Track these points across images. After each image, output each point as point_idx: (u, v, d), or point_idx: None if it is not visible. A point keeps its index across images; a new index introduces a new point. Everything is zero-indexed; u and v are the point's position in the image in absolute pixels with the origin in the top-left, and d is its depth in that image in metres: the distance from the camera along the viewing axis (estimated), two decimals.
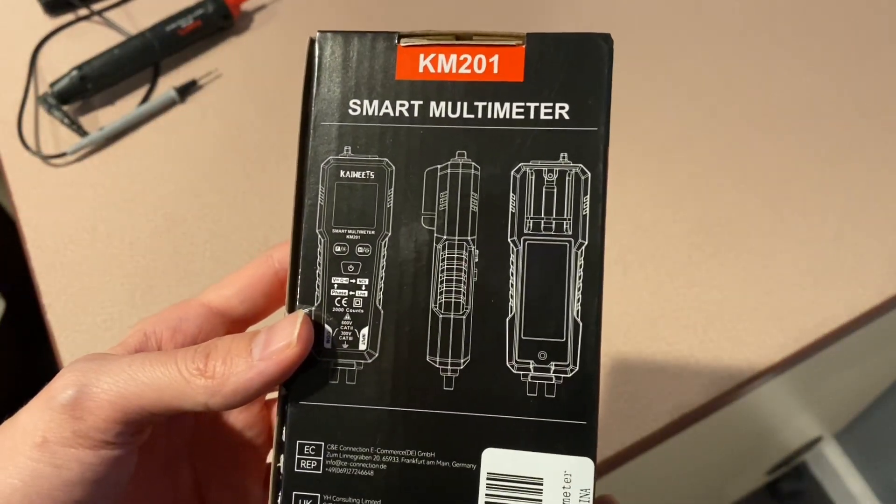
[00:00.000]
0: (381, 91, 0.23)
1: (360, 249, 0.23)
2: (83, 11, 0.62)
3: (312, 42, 0.24)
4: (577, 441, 0.22)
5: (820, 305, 0.49)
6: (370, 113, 0.23)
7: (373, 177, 0.23)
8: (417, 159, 0.23)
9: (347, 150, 0.23)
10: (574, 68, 0.23)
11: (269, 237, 0.52)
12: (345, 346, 0.23)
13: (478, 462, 0.22)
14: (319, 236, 0.23)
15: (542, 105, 0.23)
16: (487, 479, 0.22)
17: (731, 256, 0.51)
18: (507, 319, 0.22)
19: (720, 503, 1.15)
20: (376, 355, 0.23)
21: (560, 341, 0.22)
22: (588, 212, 0.23)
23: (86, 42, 0.60)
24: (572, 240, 0.23)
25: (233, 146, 0.56)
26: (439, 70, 0.23)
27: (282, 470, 0.22)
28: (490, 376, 0.22)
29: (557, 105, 0.23)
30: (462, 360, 0.22)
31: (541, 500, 0.22)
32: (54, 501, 0.21)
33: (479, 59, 0.23)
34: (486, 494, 0.22)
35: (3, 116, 0.58)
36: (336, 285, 0.23)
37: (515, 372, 0.22)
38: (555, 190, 0.23)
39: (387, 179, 0.23)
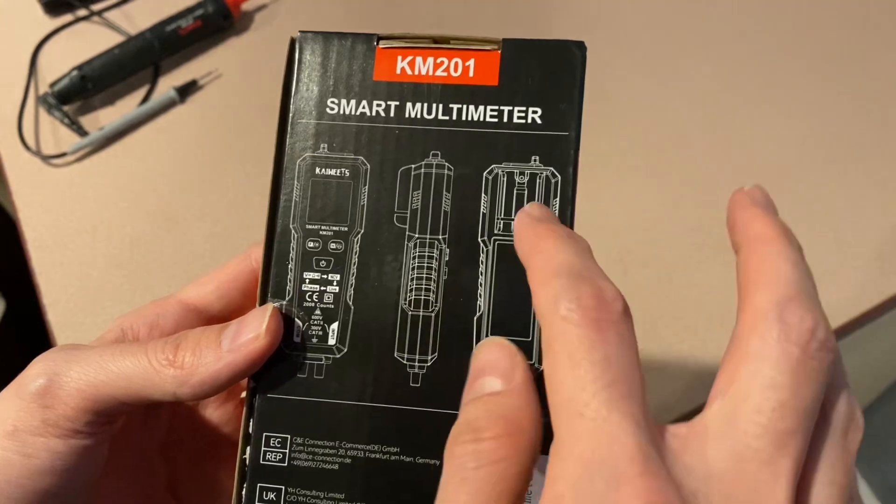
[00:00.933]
0: (359, 91, 0.24)
1: (333, 245, 0.23)
2: (83, 12, 0.62)
3: (293, 42, 0.24)
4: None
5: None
6: (347, 112, 0.24)
7: (348, 174, 0.23)
8: (392, 158, 0.23)
9: (324, 148, 0.24)
10: (547, 74, 0.23)
11: None
12: (314, 340, 0.23)
13: (441, 458, 0.22)
14: (293, 231, 0.23)
15: (516, 109, 0.23)
16: None
17: (731, 256, 0.51)
18: (475, 318, 0.23)
19: None
20: (345, 350, 0.23)
21: (526, 340, 0.22)
22: (557, 214, 0.23)
23: (86, 42, 0.60)
24: None
25: (233, 146, 0.56)
26: (416, 72, 0.24)
27: (247, 462, 0.22)
28: (457, 374, 0.23)
29: (530, 109, 0.23)
30: (430, 357, 0.23)
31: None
32: (23, 490, 0.21)
33: (456, 63, 0.24)
34: None
35: (3, 116, 0.58)
36: (308, 280, 0.23)
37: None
38: (525, 192, 0.23)
39: (361, 177, 0.23)
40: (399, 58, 0.24)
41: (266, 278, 0.23)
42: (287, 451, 0.22)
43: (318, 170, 0.24)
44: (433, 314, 0.23)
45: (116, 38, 0.59)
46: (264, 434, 0.22)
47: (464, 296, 0.23)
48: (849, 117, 0.57)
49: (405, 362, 0.23)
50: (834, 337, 0.17)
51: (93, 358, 0.22)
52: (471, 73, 0.24)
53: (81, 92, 0.57)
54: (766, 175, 0.54)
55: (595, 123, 0.56)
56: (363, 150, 0.24)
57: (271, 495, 0.22)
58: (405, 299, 0.23)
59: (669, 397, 0.46)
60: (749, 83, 0.58)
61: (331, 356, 0.23)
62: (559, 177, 0.23)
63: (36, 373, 0.22)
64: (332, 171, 0.23)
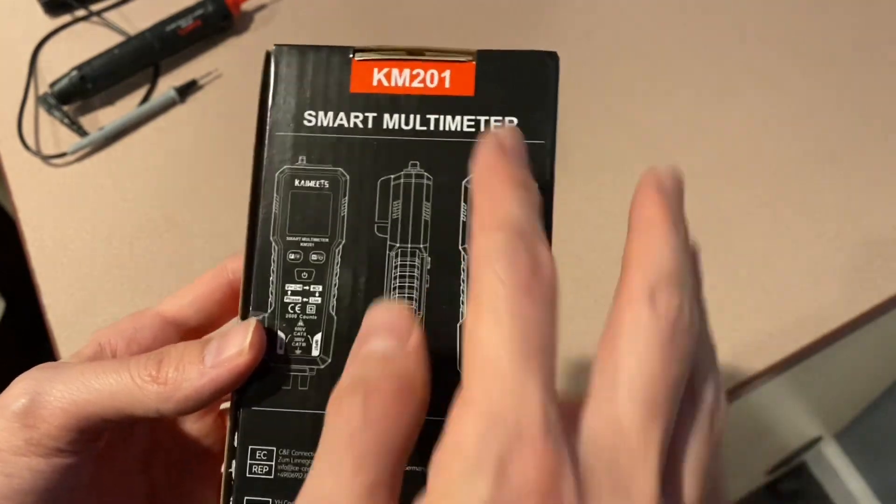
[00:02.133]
0: (336, 103, 0.24)
1: (314, 257, 0.23)
2: (83, 12, 0.62)
3: (269, 55, 0.24)
4: None
5: (820, 305, 0.49)
6: (325, 124, 0.24)
7: (327, 186, 0.24)
8: (371, 169, 0.24)
9: (302, 160, 0.24)
10: (522, 84, 0.24)
11: None
12: (298, 352, 0.23)
13: (426, 465, 0.22)
14: (273, 244, 0.24)
15: (492, 118, 0.24)
16: None
17: (731, 256, 0.51)
18: (458, 325, 0.23)
19: None
20: (329, 361, 0.23)
21: None
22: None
23: (86, 42, 0.60)
24: None
25: (233, 146, 0.56)
26: (392, 84, 0.24)
27: (233, 475, 0.22)
28: (441, 381, 0.22)
29: (506, 119, 0.24)
30: None
31: None
32: None
33: (432, 74, 0.24)
34: None
35: (3, 116, 0.58)
36: (290, 292, 0.23)
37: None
38: None
39: (341, 188, 0.24)
40: (375, 70, 0.24)
41: (247, 291, 0.23)
42: (273, 463, 0.22)
43: (297, 182, 0.24)
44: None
45: (116, 39, 0.60)
46: (250, 447, 0.22)
47: (446, 303, 0.23)
48: (849, 117, 0.57)
49: None
50: (698, 320, 0.18)
51: (74, 376, 0.22)
52: (447, 84, 0.24)
53: (81, 92, 0.57)
54: (765, 174, 0.54)
55: (595, 123, 0.56)
56: (342, 162, 0.24)
57: None
58: None
59: None
60: (746, 83, 0.58)
61: (315, 367, 0.23)
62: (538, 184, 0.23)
63: (18, 392, 0.21)
64: (311, 183, 0.24)
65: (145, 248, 0.52)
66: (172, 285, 0.50)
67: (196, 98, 0.58)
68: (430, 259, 0.23)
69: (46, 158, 0.56)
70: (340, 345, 0.23)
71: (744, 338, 0.48)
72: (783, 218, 0.52)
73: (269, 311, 0.23)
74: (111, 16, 0.62)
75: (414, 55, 0.24)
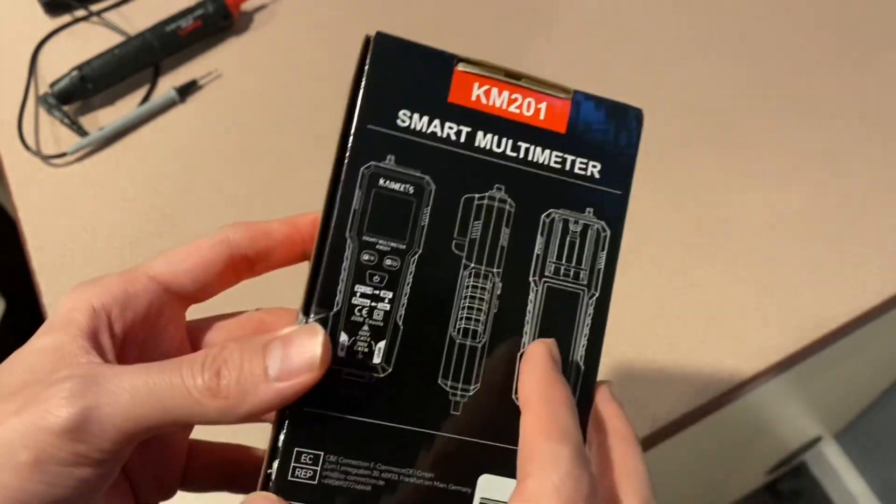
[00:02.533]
0: (433, 109, 0.23)
1: (389, 262, 0.23)
2: (83, 12, 0.62)
3: (368, 40, 0.23)
4: None
5: (820, 305, 0.49)
6: (418, 128, 0.23)
7: (412, 192, 0.23)
8: (458, 184, 0.23)
9: (391, 160, 0.23)
10: (609, 132, 0.25)
11: None
12: (359, 356, 0.22)
13: (473, 487, 0.22)
14: (349, 241, 0.22)
15: (578, 159, 0.24)
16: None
17: (731, 256, 0.51)
18: (519, 354, 0.23)
19: (720, 503, 1.15)
20: (389, 371, 0.22)
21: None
22: (603, 267, 0.24)
23: (86, 42, 0.60)
24: (586, 289, 0.24)
25: (233, 146, 0.56)
26: (491, 102, 0.24)
27: (273, 476, 0.21)
28: (495, 406, 0.23)
29: (591, 163, 0.24)
30: (472, 387, 0.23)
31: None
32: None
33: (529, 102, 0.24)
34: None
35: (3, 116, 0.58)
36: (359, 294, 0.22)
37: (518, 404, 0.23)
38: (577, 241, 0.24)
39: (425, 197, 0.23)
40: (476, 84, 0.23)
41: (313, 286, 0.22)
42: (318, 468, 0.21)
43: (381, 181, 0.23)
44: (480, 345, 0.23)
45: (116, 39, 0.59)
46: (295, 449, 0.21)
47: (510, 331, 0.23)
48: (850, 119, 0.57)
49: (448, 389, 0.23)
50: None
51: (124, 388, 0.20)
52: (541, 116, 0.24)
53: (81, 92, 0.57)
54: (766, 175, 0.54)
55: None
56: (430, 170, 0.23)
57: None
58: (455, 327, 0.23)
59: (668, 398, 0.46)
60: (749, 83, 0.58)
61: (374, 375, 0.22)
62: (608, 232, 0.24)
63: (63, 401, 0.20)
64: (396, 186, 0.23)
65: (145, 248, 0.52)
66: None
67: (196, 98, 0.58)
68: (501, 284, 0.23)
69: (46, 158, 0.56)
70: (403, 357, 0.22)
71: (744, 338, 0.48)
72: (783, 218, 0.52)
73: (334, 309, 0.22)
74: (111, 16, 0.62)
75: (511, 78, 0.24)
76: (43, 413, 0.20)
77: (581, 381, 0.24)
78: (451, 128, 0.23)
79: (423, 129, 0.23)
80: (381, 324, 0.22)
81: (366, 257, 0.22)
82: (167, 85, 0.58)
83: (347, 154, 0.23)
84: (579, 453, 0.20)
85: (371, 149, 0.23)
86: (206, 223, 0.53)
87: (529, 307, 0.23)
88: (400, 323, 0.22)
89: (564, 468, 0.19)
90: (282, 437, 0.21)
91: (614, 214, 0.24)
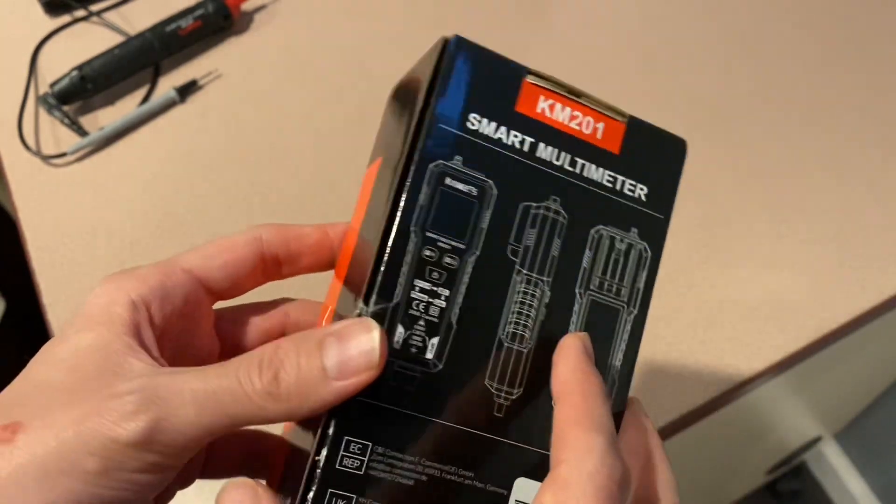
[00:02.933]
0: (501, 116, 0.24)
1: (448, 260, 0.23)
2: (83, 12, 0.62)
3: (447, 42, 0.23)
4: None
5: (820, 305, 0.49)
6: (486, 132, 0.24)
7: (475, 194, 0.23)
8: (517, 191, 0.24)
9: (458, 161, 0.23)
10: (657, 159, 0.26)
11: None
12: (413, 350, 0.22)
13: (510, 489, 0.23)
14: (413, 234, 0.23)
15: (628, 181, 0.25)
16: None
17: (731, 256, 0.51)
18: None
19: (720, 503, 1.15)
20: (440, 367, 0.22)
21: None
22: (643, 286, 0.26)
23: (86, 42, 0.60)
24: (625, 306, 0.25)
25: (233, 146, 0.56)
26: (554, 116, 0.24)
27: (321, 464, 0.21)
28: (536, 411, 0.23)
29: (639, 185, 0.26)
30: (516, 391, 0.23)
31: None
32: None
33: (589, 121, 0.25)
34: None
35: (3, 116, 0.58)
36: (418, 288, 0.23)
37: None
38: (621, 259, 0.25)
39: (487, 200, 0.23)
40: (542, 97, 0.24)
41: (375, 277, 0.22)
42: (366, 459, 0.22)
43: (447, 180, 0.23)
44: (526, 350, 0.23)
45: (116, 39, 0.60)
46: (345, 438, 0.21)
47: (554, 340, 0.24)
48: (849, 117, 0.57)
49: (493, 391, 0.23)
50: None
51: (187, 399, 0.20)
52: (599, 136, 0.25)
53: (81, 92, 0.57)
54: (766, 175, 0.54)
55: None
56: (494, 175, 0.23)
57: (341, 503, 0.21)
58: (504, 330, 0.23)
59: (668, 398, 0.46)
60: (749, 83, 0.58)
61: (426, 370, 0.22)
62: (650, 253, 0.26)
63: (131, 415, 0.20)
64: (460, 186, 0.23)
65: (145, 248, 0.52)
66: None
67: (196, 98, 0.58)
68: (549, 294, 0.24)
69: (46, 158, 0.56)
70: (454, 355, 0.23)
71: (744, 338, 0.48)
72: (783, 218, 0.52)
73: (393, 301, 0.22)
74: (111, 16, 0.62)
75: (573, 95, 0.25)
76: (111, 426, 0.20)
77: (615, 393, 0.24)
78: (515, 136, 0.24)
79: (491, 135, 0.24)
80: (437, 320, 0.23)
81: (427, 253, 0.23)
82: (167, 85, 0.58)
83: (418, 150, 0.23)
84: (613, 443, 0.20)
85: (440, 148, 0.23)
86: (206, 223, 0.53)
87: (573, 318, 0.24)
88: (454, 321, 0.23)
89: (598, 456, 0.20)
90: (332, 425, 0.21)
91: (656, 237, 0.26)
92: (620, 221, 0.25)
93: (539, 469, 0.23)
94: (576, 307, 0.24)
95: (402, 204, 0.23)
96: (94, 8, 0.62)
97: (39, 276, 0.51)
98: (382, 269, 0.22)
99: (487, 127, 0.24)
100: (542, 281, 0.24)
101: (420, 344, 0.22)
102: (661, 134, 0.26)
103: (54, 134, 0.57)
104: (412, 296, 0.22)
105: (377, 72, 0.59)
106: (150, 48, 0.58)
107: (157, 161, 0.56)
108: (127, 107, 0.58)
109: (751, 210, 0.53)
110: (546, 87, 0.24)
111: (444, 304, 0.23)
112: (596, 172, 0.25)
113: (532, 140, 0.24)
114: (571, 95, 0.25)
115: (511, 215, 0.24)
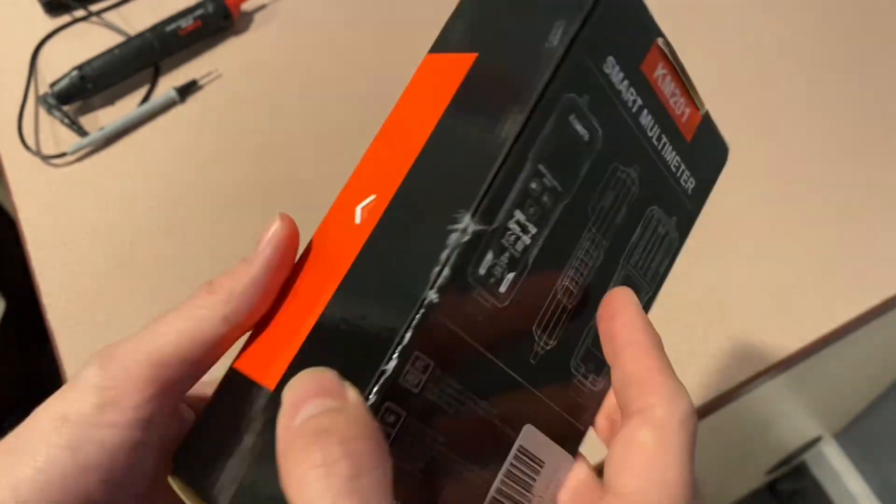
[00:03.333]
0: (630, 69, 0.23)
1: (546, 198, 0.22)
2: (83, 12, 0.62)
3: None
4: (576, 442, 0.25)
5: (820, 305, 0.49)
6: (614, 81, 0.23)
7: (587, 140, 0.22)
8: (616, 151, 0.23)
9: (585, 100, 0.22)
10: (710, 157, 0.27)
11: None
12: (491, 280, 0.21)
13: (518, 433, 0.23)
14: (528, 163, 0.21)
15: (686, 171, 0.26)
16: (518, 450, 0.23)
17: (731, 256, 0.51)
18: (588, 326, 0.24)
19: (720, 503, 1.15)
20: (507, 304, 0.22)
21: (606, 363, 0.24)
22: (662, 272, 0.26)
23: (86, 42, 0.60)
24: (645, 286, 0.26)
25: (232, 146, 0.56)
26: (663, 88, 0.24)
27: (387, 373, 0.20)
28: (558, 366, 0.24)
29: (692, 178, 0.26)
30: (551, 342, 0.23)
31: (535, 480, 0.24)
32: (66, 492, 0.20)
33: (682, 102, 0.25)
34: (511, 463, 0.23)
35: (3, 116, 0.58)
36: (514, 219, 0.21)
37: (572, 371, 0.24)
38: (659, 242, 0.26)
39: (593, 151, 0.23)
40: (661, 64, 0.24)
41: (483, 195, 0.21)
42: (425, 378, 0.20)
43: (570, 117, 0.22)
44: (569, 306, 0.23)
45: (116, 39, 0.60)
46: (415, 352, 0.20)
47: (591, 304, 0.24)
48: (851, 117, 0.57)
49: (535, 338, 0.23)
50: None
51: (138, 334, 0.21)
52: (684, 119, 0.25)
53: (81, 92, 0.57)
54: (766, 174, 0.54)
55: None
56: (603, 125, 0.23)
57: (391, 418, 0.20)
58: (560, 282, 0.23)
59: None
60: (749, 82, 0.58)
61: (494, 304, 0.21)
62: (677, 244, 0.27)
63: (89, 360, 0.21)
64: (578, 127, 0.22)
65: (145, 248, 0.52)
66: (173, 285, 0.50)
67: (196, 98, 0.58)
68: (602, 258, 0.24)
69: (46, 158, 0.56)
70: (519, 294, 0.22)
71: (744, 338, 0.48)
72: (783, 218, 0.52)
73: (493, 225, 0.21)
74: (111, 16, 0.62)
75: (682, 71, 0.25)
76: (75, 376, 0.21)
77: None
78: (631, 94, 0.23)
79: (616, 84, 0.23)
80: (518, 256, 0.22)
81: (533, 185, 0.22)
82: (167, 85, 0.58)
83: (560, 76, 0.21)
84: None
85: (576, 81, 0.22)
86: (206, 223, 0.53)
87: (610, 286, 0.24)
88: (530, 262, 0.22)
89: (687, 401, 0.21)
90: (407, 336, 0.20)
91: (685, 230, 0.26)
92: (669, 207, 0.25)
93: (545, 420, 0.23)
94: (614, 276, 0.24)
95: (526, 132, 0.21)
96: (94, 8, 0.62)
97: (39, 276, 0.51)
98: (491, 190, 0.21)
99: (617, 75, 0.23)
100: (602, 244, 0.24)
101: (499, 276, 0.21)
102: (718, 134, 0.27)
103: (54, 134, 0.57)
104: (508, 225, 0.21)
105: (377, 71, 0.59)
106: (150, 48, 0.58)
107: (157, 161, 0.56)
108: (127, 107, 0.58)
109: (751, 210, 0.53)
110: (668, 56, 0.24)
111: (528, 242, 0.22)
112: (670, 154, 0.25)
113: (641, 103, 0.23)
114: (681, 71, 0.25)
115: (602, 172, 0.23)
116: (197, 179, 0.55)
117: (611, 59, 0.22)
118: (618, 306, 0.23)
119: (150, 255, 0.52)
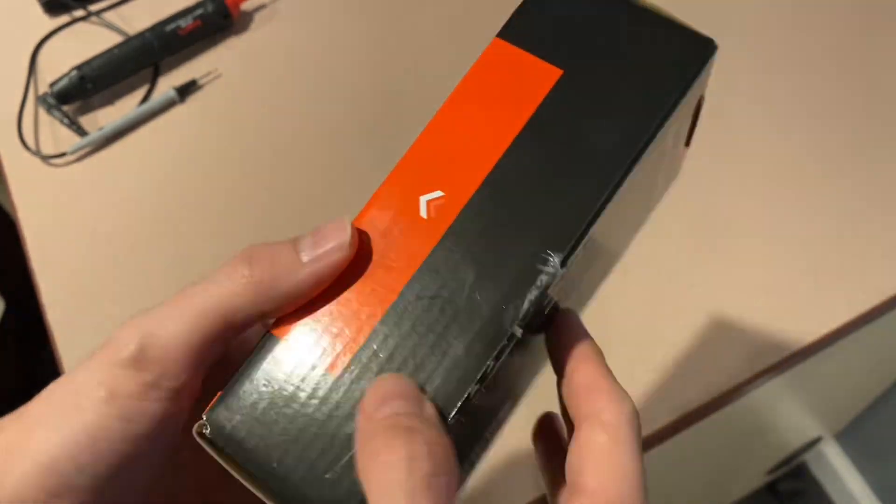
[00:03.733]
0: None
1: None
2: (82, 12, 0.62)
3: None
4: None
5: (820, 305, 0.49)
6: None
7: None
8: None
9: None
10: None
11: (269, 237, 0.52)
12: (544, 310, 0.23)
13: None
14: (601, 216, 0.22)
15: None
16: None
17: (731, 256, 0.51)
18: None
19: (720, 503, 1.15)
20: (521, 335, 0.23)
21: None
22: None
23: (86, 42, 0.60)
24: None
25: (233, 146, 0.56)
26: None
27: (469, 397, 0.20)
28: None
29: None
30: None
31: None
32: (120, 456, 0.20)
33: None
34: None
35: (3, 116, 0.58)
36: (574, 256, 0.22)
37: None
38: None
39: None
40: None
41: (574, 245, 0.21)
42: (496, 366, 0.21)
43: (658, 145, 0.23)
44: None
45: (116, 39, 0.59)
46: (489, 376, 0.21)
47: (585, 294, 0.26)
48: (851, 117, 0.57)
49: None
50: None
51: (175, 307, 0.22)
52: None
53: (81, 92, 0.57)
54: (766, 173, 0.54)
55: None
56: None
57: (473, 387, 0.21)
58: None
59: (668, 398, 0.46)
60: (749, 82, 0.58)
61: (525, 338, 0.22)
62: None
63: (126, 338, 0.21)
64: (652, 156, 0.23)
65: (145, 248, 0.52)
66: (173, 285, 0.50)
67: (196, 98, 0.58)
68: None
69: (46, 158, 0.56)
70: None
71: (744, 338, 0.48)
72: (783, 218, 0.52)
73: (566, 268, 0.21)
74: (111, 16, 0.62)
75: None
76: (112, 351, 0.21)
77: None
78: None
79: None
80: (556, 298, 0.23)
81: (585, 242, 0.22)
82: (167, 85, 0.58)
83: (674, 110, 0.23)
84: None
85: (677, 121, 0.24)
86: (206, 223, 0.53)
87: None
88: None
89: (631, 403, 0.22)
90: (492, 364, 0.21)
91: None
92: None
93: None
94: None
95: (629, 176, 0.21)
96: (94, 8, 0.62)
97: (39, 276, 0.51)
98: (578, 237, 0.21)
99: None
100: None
101: (549, 305, 0.22)
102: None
103: (54, 134, 0.57)
104: (570, 260, 0.21)
105: (377, 71, 0.59)
106: (149, 48, 0.58)
107: (156, 161, 0.56)
108: (127, 107, 0.58)
109: (751, 210, 0.53)
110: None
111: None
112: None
113: None
114: None
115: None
116: (197, 179, 0.55)
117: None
118: (565, 328, 0.24)
119: (149, 255, 0.52)
